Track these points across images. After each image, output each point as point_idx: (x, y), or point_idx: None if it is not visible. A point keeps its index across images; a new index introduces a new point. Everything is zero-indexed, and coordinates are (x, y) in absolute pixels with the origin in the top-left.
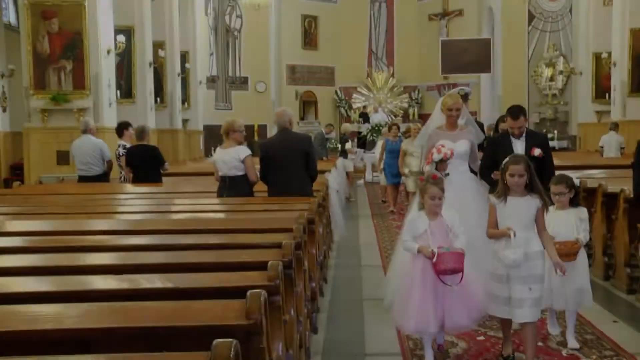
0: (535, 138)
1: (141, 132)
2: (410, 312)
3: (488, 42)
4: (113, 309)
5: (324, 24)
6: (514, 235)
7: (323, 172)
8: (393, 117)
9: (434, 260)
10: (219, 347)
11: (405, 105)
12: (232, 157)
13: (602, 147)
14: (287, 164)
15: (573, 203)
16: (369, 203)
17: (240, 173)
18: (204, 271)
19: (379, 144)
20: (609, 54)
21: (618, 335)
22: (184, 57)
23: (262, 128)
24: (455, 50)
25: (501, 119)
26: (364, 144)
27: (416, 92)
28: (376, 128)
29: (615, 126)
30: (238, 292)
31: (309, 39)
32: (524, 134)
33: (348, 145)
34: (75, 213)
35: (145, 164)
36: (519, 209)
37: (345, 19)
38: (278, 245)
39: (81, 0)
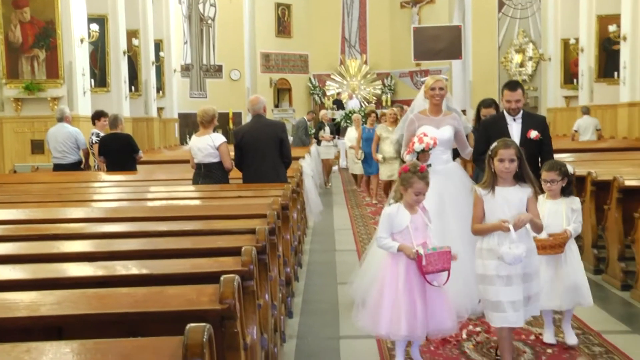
0: (532, 120)
1: (114, 121)
2: (388, 316)
3: (459, 29)
4: (87, 296)
5: (297, 11)
6: (513, 229)
7: (297, 158)
8: (367, 104)
9: (423, 263)
10: (192, 332)
11: (379, 92)
12: (207, 145)
13: (576, 130)
14: (261, 150)
15: (565, 192)
16: (343, 189)
17: (215, 160)
18: (179, 257)
19: (349, 130)
20: (577, 40)
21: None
22: (158, 45)
23: (237, 115)
24: (427, 37)
25: (482, 104)
26: (337, 130)
27: (389, 78)
28: (349, 115)
29: (587, 110)
30: (212, 278)
31: (283, 27)
32: (520, 115)
33: (322, 132)
34: (50, 201)
35: (119, 152)
36: (509, 200)
37: (318, 7)
38: (252, 231)
39: None
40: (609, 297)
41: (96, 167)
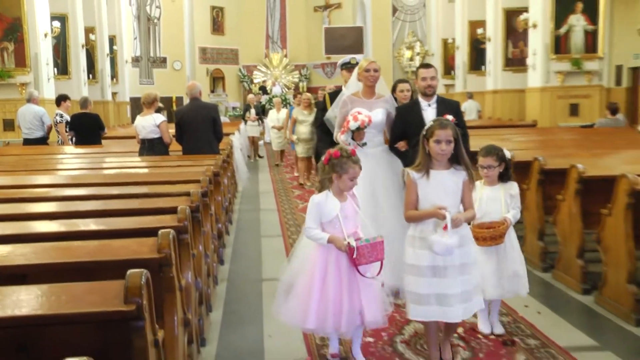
0: (446, 104)
1: (84, 102)
2: (317, 310)
3: (361, 30)
4: (48, 248)
5: (229, 13)
6: (449, 216)
7: (228, 134)
8: (287, 90)
9: (355, 255)
10: (131, 276)
11: (297, 80)
12: (150, 123)
13: (463, 112)
14: (197, 127)
15: (503, 178)
16: (268, 160)
17: (157, 136)
18: (127, 216)
19: (272, 112)
20: (454, 40)
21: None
22: (112, 40)
23: (179, 99)
24: (336, 36)
25: (398, 81)
26: (263, 111)
27: (305, 69)
28: (272, 98)
29: (471, 95)
30: (153, 232)
31: (217, 26)
32: (434, 100)
33: (248, 113)
34: (19, 170)
35: (87, 129)
36: (444, 184)
37: (246, 9)
38: (188, 194)
39: None
40: (567, 301)
41: (59, 141)
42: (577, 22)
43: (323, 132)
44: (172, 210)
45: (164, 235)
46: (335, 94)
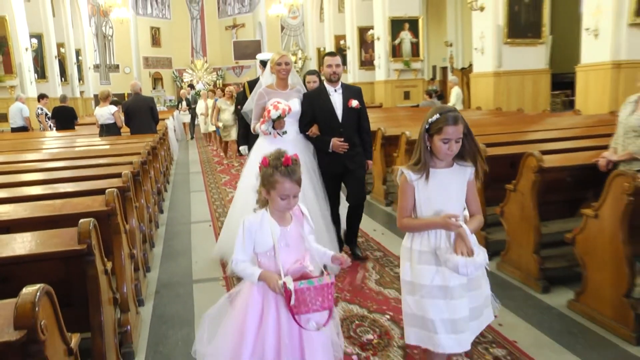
0: (350, 90)
1: (64, 98)
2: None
3: (259, 42)
4: (26, 207)
5: (163, 31)
6: (468, 228)
7: (164, 119)
8: (208, 85)
9: (292, 302)
10: (82, 224)
11: (214, 79)
12: (106, 112)
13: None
14: (140, 114)
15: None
16: (196, 140)
17: (111, 122)
18: (88, 180)
19: (199, 102)
20: (325, 48)
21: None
22: (77, 52)
23: (129, 95)
24: (241, 46)
25: (307, 73)
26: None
27: (220, 71)
28: (198, 92)
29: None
30: (104, 192)
31: (155, 40)
32: (340, 86)
33: (180, 105)
34: (12, 151)
35: (66, 118)
36: (446, 185)
37: (176, 28)
38: (131, 163)
39: (3, 14)
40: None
41: (41, 128)
42: (406, 36)
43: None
44: (118, 175)
45: (110, 193)
46: (253, 82)
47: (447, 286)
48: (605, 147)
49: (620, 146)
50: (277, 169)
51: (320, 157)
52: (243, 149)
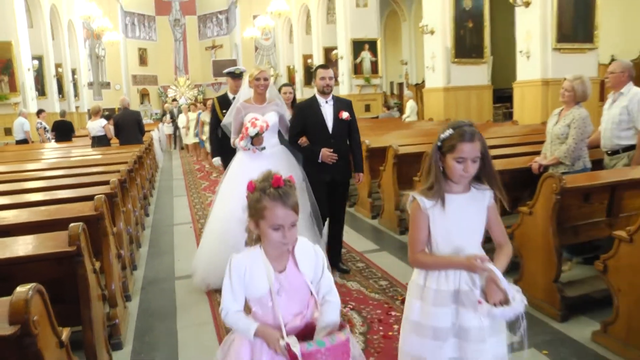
0: (341, 102)
1: (63, 113)
2: None
3: (235, 61)
4: (25, 212)
5: (150, 52)
6: (499, 273)
7: (150, 131)
8: (190, 100)
9: None
10: (72, 228)
11: (196, 94)
12: (97, 125)
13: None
14: (128, 126)
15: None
16: (178, 150)
17: (102, 134)
18: (81, 187)
19: (181, 116)
20: (294, 66)
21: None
22: (74, 71)
23: (119, 109)
24: (219, 65)
25: (283, 85)
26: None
27: (201, 87)
28: (181, 106)
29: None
30: (94, 197)
31: (143, 60)
32: (331, 98)
33: (164, 117)
34: (15, 160)
35: (64, 131)
36: (464, 213)
37: (161, 49)
38: (118, 171)
39: (9, 40)
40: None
41: (40, 140)
42: (366, 55)
43: (217, 137)
44: (106, 182)
45: (98, 199)
46: (222, 97)
47: (463, 326)
48: (538, 153)
49: (549, 152)
50: (265, 193)
51: (308, 165)
52: (216, 160)
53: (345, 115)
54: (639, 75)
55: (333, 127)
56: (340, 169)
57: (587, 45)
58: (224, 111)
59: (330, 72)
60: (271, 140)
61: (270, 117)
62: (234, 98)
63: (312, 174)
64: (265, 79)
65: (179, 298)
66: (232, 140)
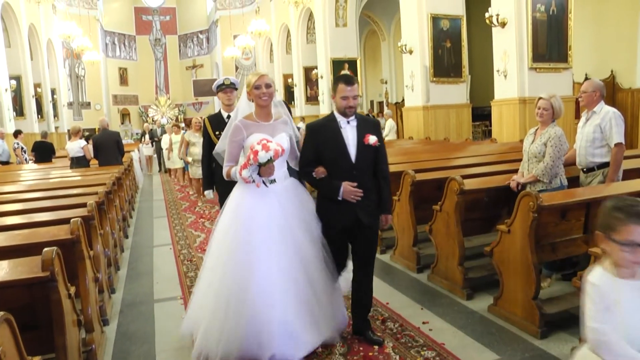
0: (367, 123)
1: (44, 134)
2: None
3: (215, 80)
4: (3, 235)
5: (130, 71)
6: None
7: (129, 151)
8: (171, 120)
9: None
10: (45, 252)
11: (176, 113)
12: (76, 146)
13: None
14: (107, 147)
15: None
16: (159, 172)
17: (81, 155)
18: (57, 210)
19: (164, 136)
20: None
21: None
22: (53, 91)
23: (99, 130)
24: (200, 84)
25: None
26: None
27: (182, 106)
28: (163, 126)
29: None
30: (69, 221)
31: (123, 79)
32: (354, 117)
33: (143, 138)
34: None
35: (45, 152)
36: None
37: (142, 68)
38: (96, 193)
39: None
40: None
41: (18, 161)
42: None
43: (209, 164)
44: (83, 205)
45: (74, 222)
46: (214, 117)
47: None
48: (515, 171)
49: (526, 170)
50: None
51: (324, 205)
52: (208, 193)
53: (372, 139)
54: (610, 94)
55: (357, 154)
56: (367, 208)
57: (562, 64)
58: (217, 133)
59: (355, 90)
60: (280, 171)
61: (281, 140)
62: (228, 117)
63: (329, 217)
64: (268, 86)
65: (158, 321)
66: (225, 171)
